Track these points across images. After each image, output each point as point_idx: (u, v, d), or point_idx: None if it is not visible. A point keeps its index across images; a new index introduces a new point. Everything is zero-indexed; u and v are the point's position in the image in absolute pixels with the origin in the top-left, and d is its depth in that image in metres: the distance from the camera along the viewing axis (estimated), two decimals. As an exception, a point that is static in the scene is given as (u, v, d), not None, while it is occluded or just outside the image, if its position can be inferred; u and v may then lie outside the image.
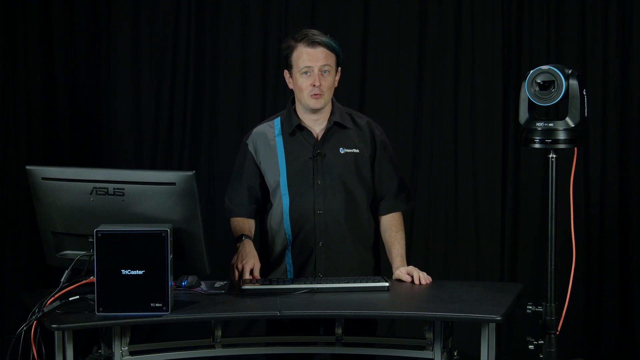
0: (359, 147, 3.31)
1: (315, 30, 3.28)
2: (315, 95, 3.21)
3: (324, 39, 3.23)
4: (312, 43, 3.21)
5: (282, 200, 3.28)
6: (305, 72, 3.21)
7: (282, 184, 3.28)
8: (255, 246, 3.27)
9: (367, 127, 3.35)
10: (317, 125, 3.30)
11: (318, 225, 3.26)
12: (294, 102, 3.35)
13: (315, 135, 3.30)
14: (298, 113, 3.31)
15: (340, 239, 3.28)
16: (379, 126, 3.39)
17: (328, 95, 3.25)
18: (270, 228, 3.34)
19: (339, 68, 3.30)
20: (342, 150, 3.29)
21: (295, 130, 3.29)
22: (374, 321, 3.36)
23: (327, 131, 3.29)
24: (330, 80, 3.24)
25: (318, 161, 3.27)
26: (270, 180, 3.31)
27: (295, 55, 3.23)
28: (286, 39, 3.30)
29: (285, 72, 3.30)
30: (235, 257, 3.19)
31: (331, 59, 3.24)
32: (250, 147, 3.34)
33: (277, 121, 3.36)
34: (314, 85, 3.20)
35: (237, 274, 3.14)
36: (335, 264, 3.27)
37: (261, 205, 3.36)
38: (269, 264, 3.35)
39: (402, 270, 3.22)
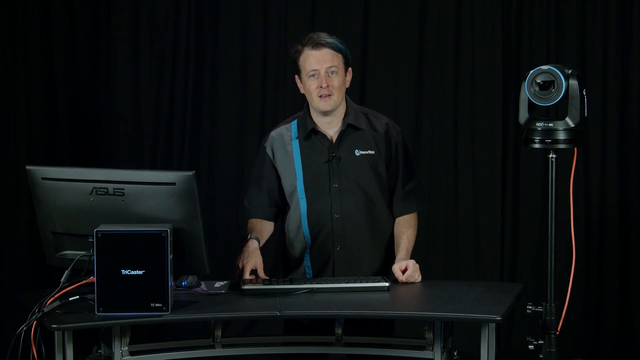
0: (374, 148, 3.29)
1: (321, 33, 3.27)
2: (324, 97, 3.20)
3: (329, 40, 3.23)
4: (317, 45, 3.21)
5: (300, 204, 3.27)
6: (313, 75, 3.21)
7: (299, 188, 3.27)
8: (266, 247, 3.26)
9: (384, 128, 3.33)
10: (331, 127, 3.29)
11: (336, 230, 3.25)
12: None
13: (330, 138, 3.29)
14: (312, 116, 3.30)
15: (359, 243, 3.28)
16: (397, 126, 3.37)
17: (338, 95, 3.23)
18: (288, 231, 3.34)
19: (350, 69, 3.29)
20: (357, 153, 3.28)
21: (310, 134, 3.28)
22: (378, 320, 3.35)
23: (342, 134, 3.28)
24: (339, 80, 3.22)
25: (334, 165, 3.26)
26: (287, 184, 3.30)
27: (302, 59, 3.24)
28: (294, 44, 3.30)
29: (296, 77, 3.30)
30: (239, 256, 3.19)
31: (338, 59, 3.23)
32: (268, 150, 3.32)
33: (294, 124, 3.34)
34: (321, 87, 3.20)
35: (238, 272, 3.15)
36: (353, 267, 3.26)
37: (281, 207, 3.36)
38: (289, 266, 3.36)
39: (397, 266, 3.20)
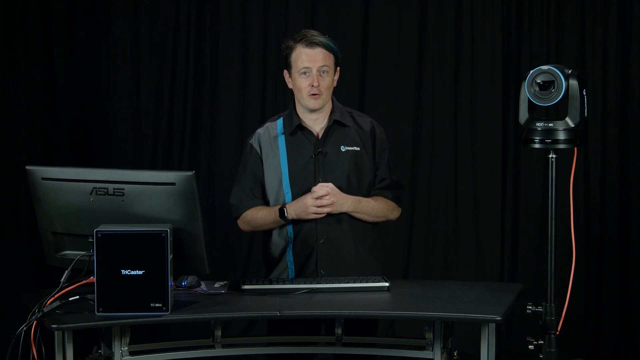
0: (360, 145, 3.33)
1: (314, 31, 3.30)
2: (314, 95, 3.24)
3: (322, 39, 3.26)
4: (311, 44, 3.24)
5: (285, 199, 3.28)
6: (304, 73, 3.24)
7: (284, 182, 3.29)
8: (257, 246, 3.26)
9: (369, 126, 3.37)
10: (317, 124, 3.32)
11: (319, 223, 3.26)
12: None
13: (315, 134, 3.31)
14: (298, 113, 3.33)
15: (342, 237, 3.28)
16: (380, 125, 3.41)
17: (327, 95, 3.27)
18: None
19: (338, 68, 3.32)
20: (343, 148, 3.31)
21: (296, 129, 3.31)
22: (375, 321, 3.36)
23: (328, 129, 3.31)
24: (329, 80, 3.26)
25: (320, 159, 3.29)
26: (272, 180, 3.31)
27: (294, 55, 3.26)
28: (285, 40, 3.32)
29: (285, 72, 3.33)
30: (301, 208, 3.18)
31: (329, 59, 3.26)
32: (256, 146, 3.34)
33: (279, 121, 3.37)
34: (313, 86, 3.22)
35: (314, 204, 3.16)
36: (337, 261, 3.28)
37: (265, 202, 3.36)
38: (270, 262, 3.35)
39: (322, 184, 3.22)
